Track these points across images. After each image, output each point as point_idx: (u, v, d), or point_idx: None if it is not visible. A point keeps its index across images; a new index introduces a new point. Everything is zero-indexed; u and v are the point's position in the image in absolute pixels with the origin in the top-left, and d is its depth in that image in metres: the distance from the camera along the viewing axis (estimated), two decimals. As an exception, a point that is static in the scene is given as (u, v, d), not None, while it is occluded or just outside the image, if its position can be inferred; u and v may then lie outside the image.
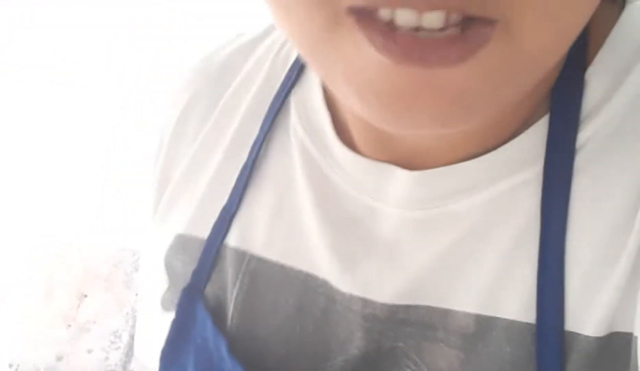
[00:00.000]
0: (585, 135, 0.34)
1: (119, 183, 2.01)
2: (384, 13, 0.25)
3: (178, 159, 0.48)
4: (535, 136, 0.35)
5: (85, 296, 1.81)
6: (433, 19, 0.24)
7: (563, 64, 0.35)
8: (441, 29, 0.25)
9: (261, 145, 0.43)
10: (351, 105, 0.28)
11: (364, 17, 0.25)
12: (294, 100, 0.44)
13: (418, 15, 0.24)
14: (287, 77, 0.44)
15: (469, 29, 0.25)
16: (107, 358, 1.75)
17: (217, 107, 0.47)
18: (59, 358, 1.74)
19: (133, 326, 1.75)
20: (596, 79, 0.34)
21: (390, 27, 0.25)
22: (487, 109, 0.28)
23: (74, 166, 2.13)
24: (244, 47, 0.48)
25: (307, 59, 0.30)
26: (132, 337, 1.78)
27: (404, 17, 0.25)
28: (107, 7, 2.58)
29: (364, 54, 0.26)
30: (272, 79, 0.45)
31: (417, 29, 0.25)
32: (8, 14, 2.60)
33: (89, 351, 1.76)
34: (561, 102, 0.34)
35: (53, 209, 2.00)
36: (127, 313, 1.82)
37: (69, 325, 1.79)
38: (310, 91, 0.43)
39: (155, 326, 0.47)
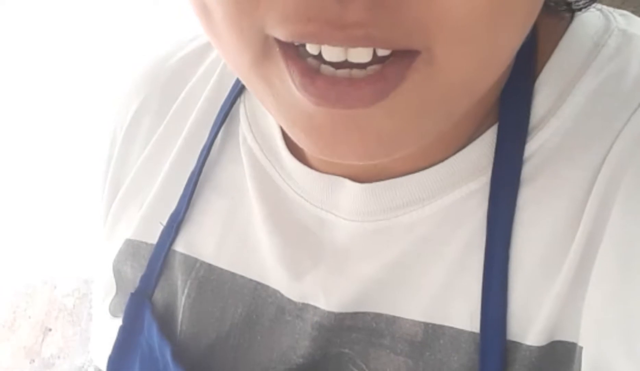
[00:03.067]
0: (532, 147, 0.34)
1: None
2: (311, 47, 0.26)
3: (129, 165, 0.48)
4: (484, 146, 0.35)
5: (50, 329, 1.77)
6: (360, 54, 0.25)
7: (511, 72, 0.35)
8: (368, 62, 0.25)
9: (209, 151, 0.43)
10: (284, 129, 0.30)
11: (290, 51, 0.26)
12: (243, 106, 0.44)
13: (344, 51, 0.25)
14: (237, 82, 0.44)
15: (389, 66, 0.25)
16: (71, 395, 1.71)
17: (168, 113, 0.47)
18: (22, 395, 1.69)
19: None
20: (544, 89, 0.35)
21: (315, 65, 0.26)
22: (410, 143, 0.29)
23: (48, 194, 2.09)
24: (196, 52, 0.49)
25: (242, 82, 0.31)
26: (97, 373, 1.74)
27: (331, 53, 0.26)
28: (106, 6, 2.56)
29: (288, 89, 0.27)
30: (222, 84, 0.45)
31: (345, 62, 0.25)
32: (7, 13, 2.57)
33: (53, 388, 1.72)
34: (510, 111, 0.35)
35: (20, 240, 1.96)
36: (93, 348, 1.77)
37: (33, 360, 1.75)
38: None
39: (105, 333, 0.46)
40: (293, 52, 0.26)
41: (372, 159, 0.29)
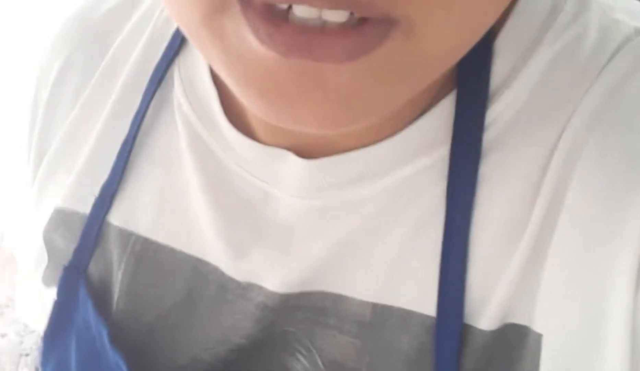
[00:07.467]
0: (488, 119, 0.33)
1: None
2: (281, 7, 0.23)
3: (56, 127, 0.44)
4: (439, 118, 0.33)
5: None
6: (336, 13, 0.23)
7: None
8: (344, 23, 0.23)
9: (142, 119, 0.40)
10: (234, 92, 0.27)
11: (251, 5, 0.23)
12: (178, 70, 0.41)
13: (318, 11, 0.23)
14: (171, 43, 0.41)
15: (366, 24, 0.23)
16: (21, 342, 1.70)
17: (96, 71, 0.43)
18: (-30, 344, 1.68)
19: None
20: (500, 57, 0.33)
21: (282, 13, 0.23)
22: (376, 112, 0.26)
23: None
24: (122, 5, 0.45)
25: (188, 38, 0.28)
26: (47, 320, 1.72)
27: (303, 12, 0.23)
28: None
29: (246, 45, 0.24)
30: (154, 44, 0.42)
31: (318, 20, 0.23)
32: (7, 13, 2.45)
33: (3, 336, 1.71)
34: (469, 78, 0.33)
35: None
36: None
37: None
38: (196, 62, 0.40)
39: (41, 303, 0.44)
40: (254, 6, 0.23)
41: (334, 126, 0.26)
